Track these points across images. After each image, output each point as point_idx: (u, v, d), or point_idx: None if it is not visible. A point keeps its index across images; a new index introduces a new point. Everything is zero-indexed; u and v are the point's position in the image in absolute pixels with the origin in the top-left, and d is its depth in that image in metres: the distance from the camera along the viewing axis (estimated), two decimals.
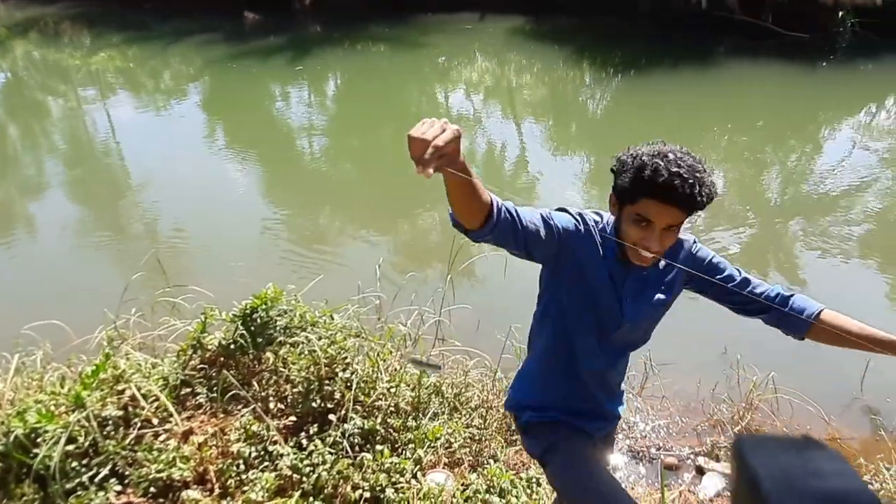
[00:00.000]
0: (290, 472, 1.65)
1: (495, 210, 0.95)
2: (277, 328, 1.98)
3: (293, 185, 5.53)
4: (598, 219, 1.17)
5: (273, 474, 1.65)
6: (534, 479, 1.88)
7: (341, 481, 1.67)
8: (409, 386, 2.10)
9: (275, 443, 1.74)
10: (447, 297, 2.42)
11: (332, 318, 2.07)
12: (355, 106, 8.23)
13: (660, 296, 1.20)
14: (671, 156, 1.01)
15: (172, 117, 7.53)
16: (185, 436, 1.76)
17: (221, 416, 1.86)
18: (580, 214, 1.16)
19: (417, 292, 2.60)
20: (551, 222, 1.07)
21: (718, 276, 1.18)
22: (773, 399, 2.53)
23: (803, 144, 7.01)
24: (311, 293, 2.26)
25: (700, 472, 2.30)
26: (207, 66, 9.28)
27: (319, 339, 1.97)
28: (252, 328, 1.97)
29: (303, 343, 1.95)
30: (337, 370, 1.93)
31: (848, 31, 9.79)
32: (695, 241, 1.22)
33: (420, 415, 2.03)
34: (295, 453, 1.72)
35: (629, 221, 1.06)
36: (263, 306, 1.97)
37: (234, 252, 3.80)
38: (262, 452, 1.73)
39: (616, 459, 2.31)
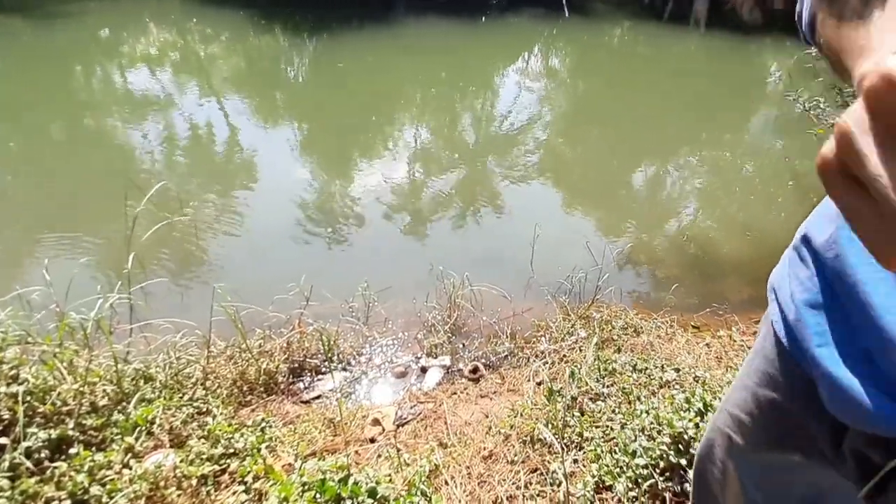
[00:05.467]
0: None
1: None
2: None
3: None
4: None
5: None
6: (265, 422, 1.91)
7: (28, 501, 1.45)
8: (109, 381, 1.90)
9: None
10: (140, 275, 2.21)
11: None
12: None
13: None
14: None
15: None
16: None
17: None
18: None
19: (107, 281, 2.32)
20: None
21: None
22: (470, 295, 3.02)
23: (483, 91, 8.17)
24: None
25: (424, 370, 2.63)
26: None
27: None
28: None
29: None
30: None
31: None
32: None
33: (127, 406, 1.86)
34: None
35: None
36: None
37: None
38: None
39: (339, 383, 2.48)
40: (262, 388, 2.35)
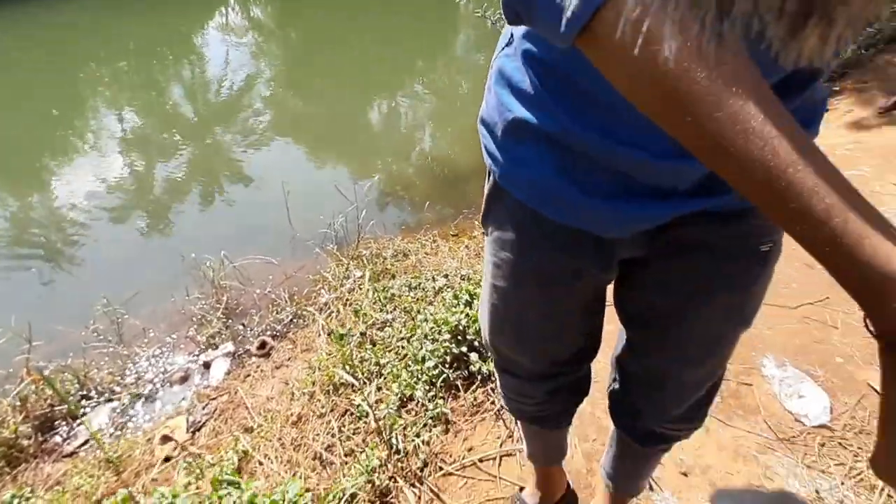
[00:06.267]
0: None
1: None
2: None
3: None
4: None
5: None
6: (16, 498, 1.56)
7: None
8: None
9: None
10: None
11: None
12: None
13: None
14: None
15: None
16: None
17: None
18: None
19: None
20: None
21: None
22: (234, 273, 2.81)
23: (187, 56, 7.30)
24: None
25: (207, 366, 2.41)
26: None
27: None
28: None
29: None
30: None
31: None
32: None
33: None
34: None
35: None
36: None
37: None
38: None
39: (108, 418, 2.15)
40: (2, 464, 1.89)
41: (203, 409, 2.14)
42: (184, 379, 2.36)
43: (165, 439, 1.98)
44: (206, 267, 2.76)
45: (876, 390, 1.44)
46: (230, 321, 2.63)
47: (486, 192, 0.77)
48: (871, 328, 0.37)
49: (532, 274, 0.74)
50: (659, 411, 0.87)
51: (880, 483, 1.24)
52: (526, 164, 0.64)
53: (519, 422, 1.12)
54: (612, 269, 0.73)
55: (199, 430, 2.04)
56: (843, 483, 1.24)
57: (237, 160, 4.48)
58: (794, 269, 1.89)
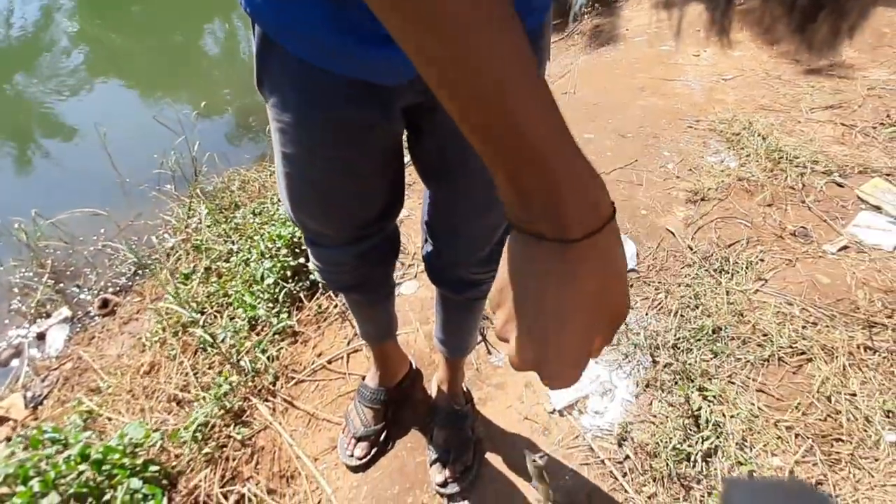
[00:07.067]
0: None
1: None
2: None
3: None
4: None
5: None
6: None
7: None
8: None
9: None
10: None
11: None
12: None
13: None
14: None
15: None
16: None
17: None
18: None
19: None
20: None
21: None
22: (55, 232, 2.50)
23: None
24: None
25: (41, 336, 2.18)
26: None
27: None
28: None
29: None
30: None
31: None
32: None
33: None
34: None
35: None
36: None
37: None
38: None
39: None
40: None
41: (43, 381, 1.95)
42: (15, 355, 2.12)
43: (1, 421, 1.80)
44: (16, 230, 2.42)
45: (672, 233, 1.63)
46: (61, 285, 2.37)
47: (255, 50, 0.69)
48: (514, 219, 0.35)
49: (317, 131, 0.71)
50: (465, 258, 0.93)
51: (674, 307, 1.43)
52: (294, 13, 0.59)
53: (343, 297, 1.13)
54: (397, 118, 0.72)
55: (40, 403, 1.87)
56: (647, 313, 1.41)
57: (43, 108, 3.88)
58: (611, 139, 2.04)
